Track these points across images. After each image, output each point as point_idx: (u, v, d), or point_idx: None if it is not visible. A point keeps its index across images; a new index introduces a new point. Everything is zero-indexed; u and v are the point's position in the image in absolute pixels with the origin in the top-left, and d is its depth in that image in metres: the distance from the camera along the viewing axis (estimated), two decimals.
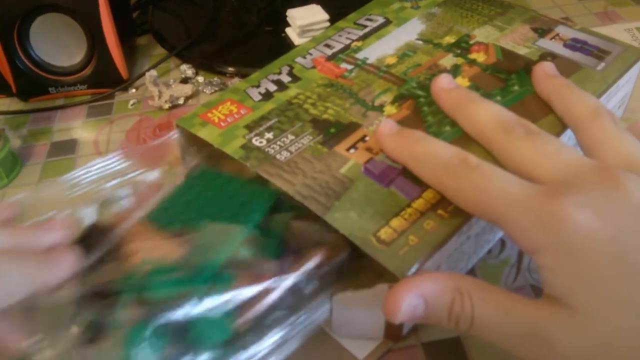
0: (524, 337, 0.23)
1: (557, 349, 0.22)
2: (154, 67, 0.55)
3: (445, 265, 0.29)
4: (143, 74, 0.55)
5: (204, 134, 0.33)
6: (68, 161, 0.47)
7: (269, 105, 0.35)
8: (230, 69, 0.55)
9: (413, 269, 0.26)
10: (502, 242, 0.36)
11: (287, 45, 0.56)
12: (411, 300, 0.24)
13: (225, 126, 0.34)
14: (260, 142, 0.32)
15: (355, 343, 0.31)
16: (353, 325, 0.31)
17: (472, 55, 0.38)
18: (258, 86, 0.37)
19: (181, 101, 0.52)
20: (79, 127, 0.50)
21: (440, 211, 0.28)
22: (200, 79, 0.55)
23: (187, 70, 0.55)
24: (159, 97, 0.52)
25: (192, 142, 0.35)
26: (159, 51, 0.60)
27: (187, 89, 0.52)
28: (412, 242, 0.27)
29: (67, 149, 0.48)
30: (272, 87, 0.37)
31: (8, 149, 0.45)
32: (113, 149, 0.47)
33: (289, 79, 0.37)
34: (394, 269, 0.26)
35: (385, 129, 0.31)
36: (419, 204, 0.29)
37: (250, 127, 0.34)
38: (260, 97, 0.36)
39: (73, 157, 0.47)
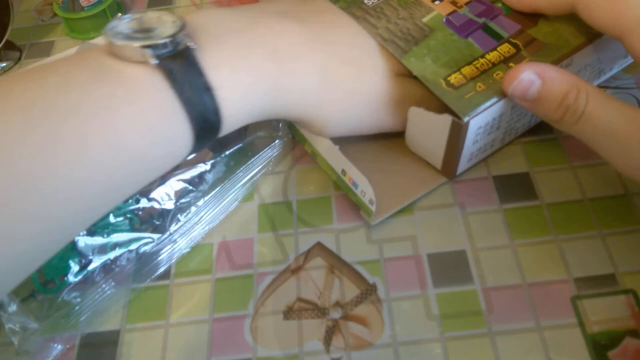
0: (630, 135, 0.25)
1: None
2: None
3: (509, 115, 0.32)
4: None
5: None
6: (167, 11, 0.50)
7: None
8: None
9: (477, 111, 0.29)
10: None
11: None
12: (531, 75, 0.28)
13: None
14: None
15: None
16: (419, 143, 0.34)
17: None
18: None
19: None
20: None
21: (511, 64, 0.31)
22: None
23: None
24: None
25: None
26: None
27: None
28: (479, 88, 0.30)
29: (165, 1, 0.51)
30: None
31: None
32: (206, 1, 0.50)
33: None
34: (457, 110, 0.29)
35: None
36: (492, 55, 0.31)
37: None
38: None
39: (171, 7, 0.50)
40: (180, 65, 0.24)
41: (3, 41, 0.46)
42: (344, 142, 0.33)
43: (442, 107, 0.30)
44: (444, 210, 0.33)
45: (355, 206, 0.34)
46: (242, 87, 0.27)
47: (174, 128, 0.25)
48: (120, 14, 0.46)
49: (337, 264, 0.32)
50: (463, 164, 0.34)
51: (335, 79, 0.30)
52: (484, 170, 0.35)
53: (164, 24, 0.25)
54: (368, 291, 0.31)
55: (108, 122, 0.23)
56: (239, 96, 0.27)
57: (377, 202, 0.31)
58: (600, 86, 0.38)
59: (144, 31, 0.25)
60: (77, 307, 0.30)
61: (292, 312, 0.30)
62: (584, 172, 0.34)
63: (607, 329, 0.28)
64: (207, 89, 0.25)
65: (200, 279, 0.32)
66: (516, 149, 0.35)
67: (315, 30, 0.30)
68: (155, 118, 0.24)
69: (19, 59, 0.48)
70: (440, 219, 0.33)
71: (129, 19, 0.26)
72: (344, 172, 0.33)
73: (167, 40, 0.24)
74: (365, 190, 0.32)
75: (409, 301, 0.30)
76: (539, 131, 0.36)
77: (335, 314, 0.30)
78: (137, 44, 0.24)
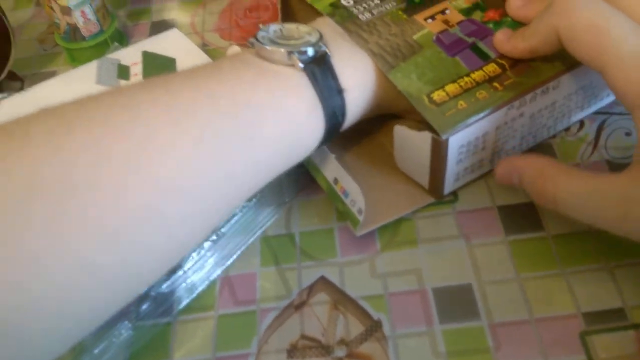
0: (605, 209, 0.26)
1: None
2: None
3: (493, 136, 0.32)
4: None
5: None
6: (165, 32, 0.50)
7: None
8: None
9: (456, 129, 0.29)
10: (581, 122, 0.37)
11: None
12: (508, 171, 0.31)
13: None
14: (348, 2, 0.35)
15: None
16: (406, 161, 0.34)
17: None
18: None
19: None
20: (175, 9, 0.53)
21: (495, 84, 0.31)
22: None
23: None
24: None
25: (289, 6, 0.38)
26: None
27: None
28: (461, 106, 0.30)
29: (166, 28, 0.51)
30: None
31: (115, 26, 0.49)
32: (208, 29, 0.51)
33: None
34: (437, 127, 0.29)
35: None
36: (477, 75, 0.31)
37: None
38: None
39: None
40: (319, 69, 0.29)
41: (5, 72, 0.46)
42: (337, 154, 0.33)
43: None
44: (448, 242, 0.33)
45: (358, 239, 0.33)
46: (361, 89, 0.31)
47: (314, 123, 0.29)
48: (116, 43, 0.46)
49: (341, 299, 0.31)
50: (450, 184, 0.33)
51: None
52: (489, 200, 0.35)
53: (302, 33, 0.30)
54: (373, 328, 0.30)
55: (273, 114, 0.27)
56: (359, 98, 0.31)
57: (364, 215, 0.31)
58: (601, 112, 0.37)
59: (286, 38, 0.30)
60: (85, 343, 0.30)
61: (296, 351, 0.30)
62: None
63: None
64: (339, 91, 0.29)
65: (203, 316, 0.32)
66: None
67: None
68: (304, 112, 0.28)
69: (21, 88, 0.48)
70: (445, 252, 0.33)
71: (274, 28, 0.30)
72: (336, 180, 0.33)
73: (310, 47, 0.29)
74: (355, 199, 0.32)
75: (414, 338, 0.30)
76: None
77: (340, 352, 0.30)
78: (284, 49, 0.28)
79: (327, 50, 0.29)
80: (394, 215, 0.34)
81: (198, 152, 0.25)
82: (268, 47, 0.28)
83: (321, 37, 0.30)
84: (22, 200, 0.21)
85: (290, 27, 0.31)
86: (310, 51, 0.29)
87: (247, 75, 0.28)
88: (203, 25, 0.51)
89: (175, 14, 0.53)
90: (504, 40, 0.32)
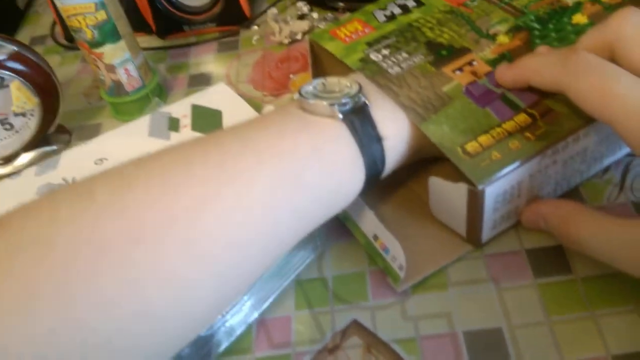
0: (624, 253, 0.27)
1: None
2: (273, 5, 0.60)
3: (528, 184, 0.32)
4: (263, 12, 0.60)
5: (330, 47, 0.39)
6: (213, 86, 0.53)
7: (390, 26, 0.39)
8: (341, 4, 0.59)
9: (492, 179, 0.30)
10: (607, 166, 0.38)
11: None
12: (534, 217, 0.33)
13: (349, 42, 0.39)
14: (377, 57, 0.37)
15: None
16: (442, 211, 0.35)
17: None
18: (385, 9, 0.41)
19: (299, 36, 0.57)
20: (211, 62, 0.57)
21: (527, 134, 0.31)
22: (315, 15, 0.59)
23: (303, 7, 0.60)
24: (279, 33, 0.57)
25: (318, 57, 0.40)
26: None
27: (304, 24, 0.57)
28: (495, 157, 0.31)
29: (203, 80, 0.55)
30: (397, 11, 0.41)
31: (156, 80, 0.52)
32: (242, 81, 0.53)
33: (414, 4, 0.41)
34: (473, 178, 0.30)
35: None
36: (509, 125, 0.32)
37: (370, 44, 0.38)
38: (384, 19, 0.40)
39: (209, 86, 0.53)
40: (359, 119, 0.30)
41: (55, 125, 0.50)
42: (372, 204, 0.34)
43: None
44: (477, 286, 0.34)
45: (389, 283, 0.34)
46: (399, 138, 0.32)
47: (355, 171, 0.30)
48: (157, 99, 0.49)
49: (374, 342, 0.32)
50: (487, 232, 0.34)
51: None
52: (517, 243, 0.35)
53: (343, 86, 0.32)
54: None
55: (314, 163, 0.29)
56: (397, 145, 0.32)
57: (408, 268, 0.32)
58: (627, 155, 0.38)
59: (328, 92, 0.31)
60: None
61: None
62: None
63: None
64: (378, 140, 0.31)
65: (241, 359, 0.33)
66: None
67: None
68: (345, 161, 0.30)
69: (69, 141, 0.51)
70: (474, 295, 0.33)
71: (316, 83, 0.32)
72: (376, 237, 0.34)
73: (349, 99, 0.30)
74: (396, 255, 0.33)
75: None
76: None
77: None
78: (326, 102, 0.30)
79: (367, 101, 0.31)
80: (434, 268, 0.35)
81: (246, 205, 0.27)
82: (311, 101, 0.30)
83: (360, 88, 0.31)
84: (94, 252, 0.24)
85: (332, 81, 0.32)
86: (350, 102, 0.30)
87: (290, 126, 0.30)
88: (237, 76, 0.54)
89: (211, 66, 0.56)
90: (504, 69, 0.34)
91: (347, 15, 0.42)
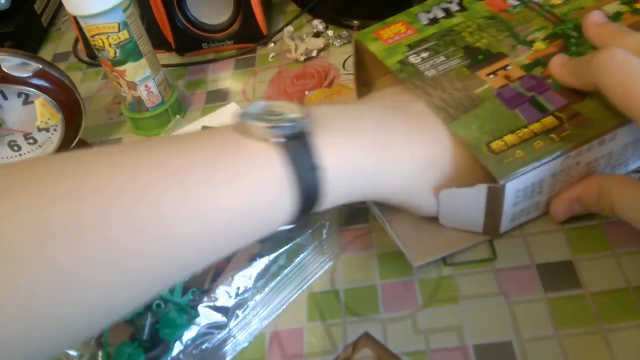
0: None
1: None
2: (290, 23, 0.61)
3: (550, 182, 0.33)
4: (280, 30, 0.61)
5: (373, 47, 0.40)
6: (223, 107, 0.54)
7: (432, 30, 0.40)
8: (356, 22, 0.60)
9: (513, 176, 0.31)
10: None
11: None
12: (567, 206, 0.35)
13: (392, 43, 0.40)
14: (416, 60, 0.38)
15: None
16: (457, 218, 0.36)
17: (639, 5, 0.38)
18: (429, 12, 0.42)
19: (314, 54, 0.58)
20: (229, 78, 0.58)
21: (553, 135, 0.32)
22: (331, 32, 0.60)
23: (318, 25, 0.61)
24: (296, 50, 0.58)
25: (362, 57, 0.42)
26: (292, 8, 0.66)
27: (320, 42, 0.58)
28: (518, 155, 0.32)
29: (220, 97, 0.56)
30: (441, 14, 0.41)
31: (176, 96, 0.53)
32: (258, 97, 0.55)
33: (458, 8, 0.42)
34: (496, 174, 0.31)
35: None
36: (535, 126, 0.33)
37: (411, 46, 0.39)
38: (427, 22, 0.41)
39: (226, 104, 0.55)
40: (295, 145, 0.29)
41: (77, 140, 0.51)
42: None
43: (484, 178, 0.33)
44: (488, 300, 0.34)
45: (400, 295, 0.35)
46: (344, 170, 0.31)
47: (283, 198, 0.29)
48: (178, 117, 0.50)
49: (385, 355, 0.33)
50: (506, 224, 0.35)
51: (429, 166, 0.34)
52: (528, 258, 0.36)
53: (290, 111, 0.30)
54: None
55: (231, 189, 0.28)
56: (340, 178, 0.31)
57: (424, 249, 0.35)
58: None
59: (273, 115, 0.30)
60: None
61: None
62: (628, 259, 0.34)
63: None
64: (313, 168, 0.29)
65: None
66: (559, 236, 0.36)
67: (412, 126, 0.34)
68: (271, 188, 0.28)
69: None
70: (485, 309, 0.34)
71: (262, 106, 0.30)
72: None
73: (290, 123, 0.29)
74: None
75: None
76: (580, 218, 0.36)
77: None
78: (263, 124, 0.29)
79: (312, 128, 0.30)
80: (450, 250, 0.36)
81: (140, 216, 0.26)
82: (249, 122, 0.29)
83: (307, 115, 0.30)
84: None
85: (280, 105, 0.31)
86: (289, 127, 0.29)
87: (214, 149, 0.29)
88: (254, 93, 0.55)
89: (229, 83, 0.57)
90: (558, 65, 0.35)
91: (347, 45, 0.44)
